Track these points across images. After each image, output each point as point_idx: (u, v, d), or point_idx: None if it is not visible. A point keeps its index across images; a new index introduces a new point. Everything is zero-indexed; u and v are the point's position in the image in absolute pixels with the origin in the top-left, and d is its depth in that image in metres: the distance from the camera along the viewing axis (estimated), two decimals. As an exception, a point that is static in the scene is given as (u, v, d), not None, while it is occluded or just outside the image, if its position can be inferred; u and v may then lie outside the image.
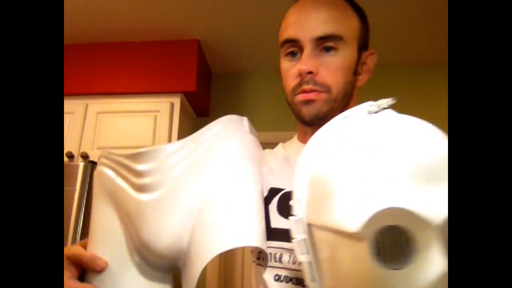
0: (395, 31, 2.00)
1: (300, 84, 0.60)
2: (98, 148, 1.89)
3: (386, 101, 0.46)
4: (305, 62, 0.58)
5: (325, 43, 0.59)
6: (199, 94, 2.06)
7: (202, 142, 0.55)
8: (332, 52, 0.59)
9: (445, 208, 0.33)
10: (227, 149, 0.55)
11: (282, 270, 0.55)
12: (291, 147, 0.70)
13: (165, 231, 0.51)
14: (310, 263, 0.39)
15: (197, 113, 2.27)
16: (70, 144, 1.90)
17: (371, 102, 0.45)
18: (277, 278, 0.55)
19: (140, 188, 0.53)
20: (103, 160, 0.57)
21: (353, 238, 0.30)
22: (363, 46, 0.66)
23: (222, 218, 0.49)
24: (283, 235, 0.54)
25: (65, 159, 1.85)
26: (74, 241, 1.40)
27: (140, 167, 0.53)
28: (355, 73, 0.64)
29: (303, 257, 0.39)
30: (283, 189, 0.61)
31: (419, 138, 0.36)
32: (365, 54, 0.67)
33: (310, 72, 0.58)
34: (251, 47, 2.16)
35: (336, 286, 0.35)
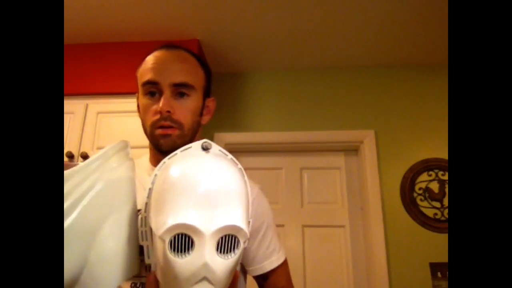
0: (395, 31, 2.00)
1: (159, 120, 0.73)
2: (98, 148, 1.89)
3: (211, 144, 0.62)
4: (165, 103, 0.72)
5: (180, 89, 0.75)
6: (199, 94, 2.06)
7: (88, 180, 0.61)
8: (185, 97, 0.75)
9: (216, 224, 0.49)
10: (112, 188, 0.63)
11: (137, 278, 0.69)
12: (142, 169, 0.82)
13: (66, 267, 0.56)
14: (147, 246, 0.59)
15: (197, 113, 2.27)
16: (70, 144, 1.90)
17: (205, 140, 0.61)
18: (133, 286, 0.70)
19: None
20: None
21: (160, 239, 0.49)
22: (207, 93, 0.82)
23: (115, 253, 0.61)
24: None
25: (65, 159, 1.85)
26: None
27: None
28: (201, 114, 0.80)
29: (143, 242, 0.59)
30: (140, 210, 0.72)
31: (212, 175, 0.53)
32: (208, 100, 0.83)
33: (169, 111, 0.72)
34: (251, 47, 2.16)
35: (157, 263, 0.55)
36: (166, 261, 0.49)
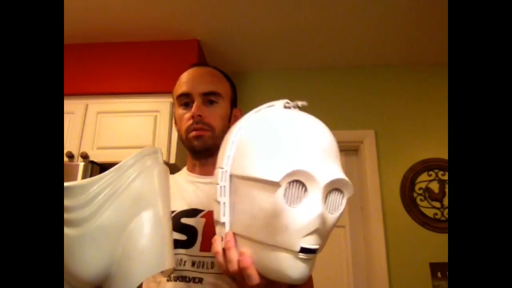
0: (395, 31, 2.00)
1: (192, 124, 0.82)
2: (98, 148, 1.89)
3: (300, 103, 0.64)
4: (197, 109, 0.82)
5: (209, 97, 0.85)
6: (199, 94, 2.06)
7: (122, 178, 0.63)
8: (214, 104, 0.85)
9: (330, 176, 0.49)
10: (145, 185, 0.64)
11: (177, 272, 0.74)
12: (181, 176, 0.91)
13: (93, 263, 0.58)
14: (224, 203, 0.55)
15: (197, 113, 2.27)
16: (70, 144, 1.90)
17: (287, 100, 0.62)
18: (168, 279, 0.74)
19: (66, 223, 0.58)
20: None
21: (272, 185, 0.48)
22: (233, 103, 0.92)
23: (147, 247, 0.60)
24: (177, 244, 0.75)
25: (65, 159, 1.85)
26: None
27: (67, 202, 0.58)
28: (229, 121, 0.88)
29: (221, 198, 0.55)
30: (174, 211, 0.80)
31: (317, 129, 0.55)
32: (235, 109, 0.92)
33: (200, 115, 0.82)
34: (251, 47, 2.16)
35: (246, 219, 0.52)
36: (277, 210, 0.48)
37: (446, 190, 2.04)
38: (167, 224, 0.65)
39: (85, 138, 1.91)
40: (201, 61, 2.15)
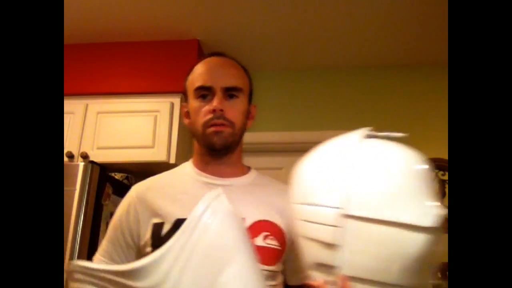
0: (395, 31, 2.00)
1: (211, 118, 0.77)
2: (98, 148, 1.89)
3: (394, 134, 0.63)
4: (219, 102, 0.77)
5: (231, 92, 0.80)
6: (199, 94, 2.06)
7: (192, 238, 0.56)
8: (235, 99, 0.80)
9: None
10: (219, 239, 0.57)
11: None
12: (189, 175, 0.82)
13: None
14: (341, 247, 0.52)
15: (197, 113, 2.27)
16: (70, 144, 1.90)
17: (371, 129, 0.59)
18: None
19: None
20: (80, 276, 0.55)
21: (424, 231, 0.49)
22: (250, 99, 0.89)
23: None
24: None
25: (65, 159, 1.85)
26: (74, 241, 1.40)
27: (139, 284, 0.53)
28: (247, 117, 0.85)
29: (337, 242, 0.52)
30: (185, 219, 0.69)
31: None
32: (251, 106, 0.89)
33: (222, 110, 0.77)
34: (251, 47, 2.16)
35: (370, 263, 0.51)
36: (426, 253, 0.50)
37: (446, 190, 2.04)
38: (256, 276, 0.59)
39: (85, 138, 1.91)
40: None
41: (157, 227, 0.72)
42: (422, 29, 1.97)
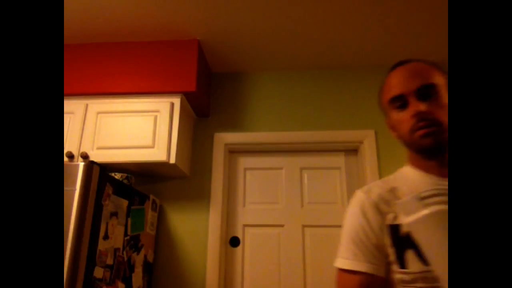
0: (395, 31, 2.00)
1: (415, 123, 0.75)
2: (98, 148, 1.89)
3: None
4: (414, 106, 0.76)
5: (424, 92, 0.77)
6: (199, 94, 2.06)
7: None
8: (432, 97, 0.77)
9: None
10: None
11: None
12: (408, 179, 0.84)
13: None
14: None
15: (197, 113, 2.27)
16: (70, 144, 1.90)
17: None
18: None
19: None
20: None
21: None
22: None
23: None
24: None
25: (65, 159, 1.85)
26: (74, 241, 1.40)
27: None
28: None
29: None
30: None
31: None
32: None
33: (421, 112, 0.74)
34: (251, 47, 2.16)
35: None
36: None
37: (446, 190, 2.03)
38: None
39: (85, 138, 1.91)
40: (201, 60, 2.15)
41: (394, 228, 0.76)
42: (422, 28, 1.97)
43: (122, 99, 1.99)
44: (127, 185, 1.74)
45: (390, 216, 0.77)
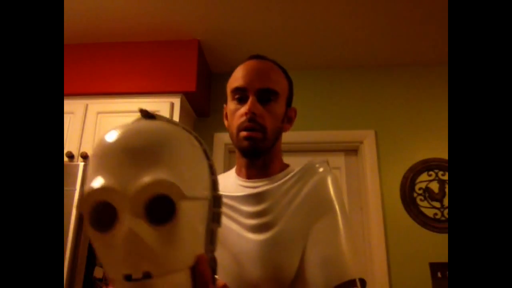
0: (395, 31, 2.00)
1: (244, 121, 0.77)
2: (98, 148, 1.89)
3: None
4: (251, 106, 0.77)
5: (265, 95, 0.79)
6: (199, 94, 2.06)
7: (298, 184, 0.73)
8: (270, 103, 0.79)
9: (138, 183, 0.40)
10: (329, 192, 0.71)
11: None
12: (228, 180, 0.86)
13: (287, 266, 0.63)
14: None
15: (197, 113, 2.27)
16: (70, 144, 1.90)
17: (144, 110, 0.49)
18: None
19: (252, 229, 0.66)
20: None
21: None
22: (289, 103, 0.86)
23: (331, 256, 0.65)
24: None
25: (65, 159, 1.85)
26: (74, 241, 1.40)
27: (251, 209, 0.68)
28: (282, 121, 0.83)
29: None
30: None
31: (136, 133, 0.43)
32: (289, 109, 0.86)
33: (254, 113, 0.76)
34: (251, 47, 2.16)
35: None
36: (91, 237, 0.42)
37: (446, 190, 2.04)
38: (348, 230, 0.68)
39: (85, 138, 1.91)
40: (201, 60, 2.15)
41: None
42: (422, 29, 1.97)
43: (122, 99, 1.99)
44: (127, 185, 1.74)
45: None
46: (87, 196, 0.39)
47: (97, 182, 0.39)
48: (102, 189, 0.39)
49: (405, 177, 2.08)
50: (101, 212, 0.40)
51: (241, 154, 0.82)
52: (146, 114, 0.46)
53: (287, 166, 0.85)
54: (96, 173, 0.41)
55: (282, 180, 0.78)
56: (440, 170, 2.08)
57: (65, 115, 1.95)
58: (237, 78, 0.82)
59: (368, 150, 2.15)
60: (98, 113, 1.97)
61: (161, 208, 0.39)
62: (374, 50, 2.17)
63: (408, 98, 2.24)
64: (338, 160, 2.27)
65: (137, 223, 0.38)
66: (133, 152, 0.40)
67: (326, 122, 2.25)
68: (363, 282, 0.69)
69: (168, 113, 1.93)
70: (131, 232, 0.38)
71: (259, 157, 0.80)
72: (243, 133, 0.77)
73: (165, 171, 0.40)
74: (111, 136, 0.42)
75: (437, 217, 2.00)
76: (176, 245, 0.40)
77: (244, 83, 0.79)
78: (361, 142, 2.19)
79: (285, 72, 0.88)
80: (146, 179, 0.39)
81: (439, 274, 1.91)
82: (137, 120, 0.46)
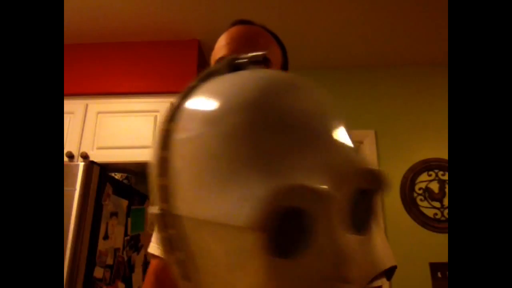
0: (395, 31, 2.00)
1: None
2: (98, 148, 1.89)
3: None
4: None
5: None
6: (199, 94, 2.06)
7: None
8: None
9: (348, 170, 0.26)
10: None
11: None
12: None
13: None
14: (183, 261, 0.30)
15: (197, 113, 2.27)
16: (70, 144, 1.90)
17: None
18: None
19: None
20: None
21: (243, 231, 0.23)
22: (284, 70, 0.77)
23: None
24: None
25: (65, 159, 1.85)
26: (74, 241, 1.40)
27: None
28: None
29: (171, 257, 0.30)
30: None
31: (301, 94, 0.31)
32: None
33: None
34: (251, 47, 2.16)
35: (216, 283, 0.28)
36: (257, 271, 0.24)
37: (446, 190, 2.04)
38: None
39: (85, 138, 1.91)
40: (201, 60, 2.15)
41: None
42: (422, 29, 1.97)
43: (122, 99, 1.99)
44: (127, 185, 1.74)
45: None
46: (275, 199, 0.22)
47: (290, 178, 0.23)
48: (302, 190, 0.23)
49: (405, 177, 2.08)
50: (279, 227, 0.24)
51: None
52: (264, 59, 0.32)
53: None
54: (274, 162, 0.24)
55: None
56: (440, 170, 2.08)
57: (65, 115, 1.94)
58: (220, 47, 0.72)
59: (368, 150, 2.15)
60: (98, 113, 1.97)
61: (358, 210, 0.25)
62: (374, 50, 2.17)
63: (408, 98, 2.24)
64: (338, 160, 2.27)
65: (346, 235, 0.24)
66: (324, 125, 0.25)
67: (326, 122, 2.25)
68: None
69: (168, 113, 1.93)
70: (344, 250, 0.23)
71: None
72: None
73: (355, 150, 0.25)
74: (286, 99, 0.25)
75: (437, 217, 2.00)
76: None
77: (229, 52, 0.69)
78: (361, 142, 2.19)
79: (277, 38, 0.77)
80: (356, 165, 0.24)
81: (439, 274, 1.91)
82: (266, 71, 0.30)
